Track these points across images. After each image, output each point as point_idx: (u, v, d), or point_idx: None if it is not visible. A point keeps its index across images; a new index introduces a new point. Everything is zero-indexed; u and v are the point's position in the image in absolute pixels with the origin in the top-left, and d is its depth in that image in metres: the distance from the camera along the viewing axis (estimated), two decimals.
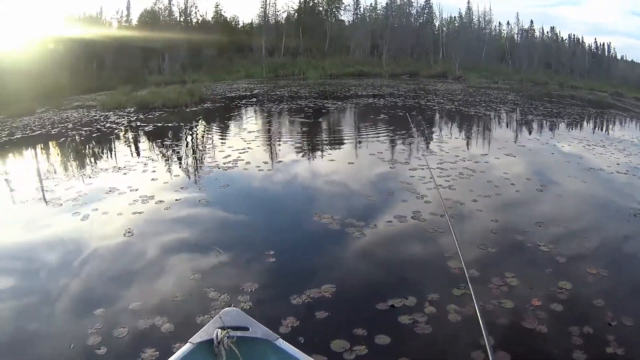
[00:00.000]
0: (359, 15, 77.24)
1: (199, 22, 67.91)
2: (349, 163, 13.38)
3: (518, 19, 78.83)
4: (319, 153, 14.91)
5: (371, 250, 7.75)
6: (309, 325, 5.49)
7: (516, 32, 78.65)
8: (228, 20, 72.99)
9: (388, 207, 9.72)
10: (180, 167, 13.51)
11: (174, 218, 9.24)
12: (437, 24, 77.81)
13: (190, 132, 19.66)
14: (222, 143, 16.33)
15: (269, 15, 71.41)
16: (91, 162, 14.58)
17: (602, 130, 22.87)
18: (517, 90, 43.67)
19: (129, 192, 10.78)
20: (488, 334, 3.02)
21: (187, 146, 16.75)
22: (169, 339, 5.20)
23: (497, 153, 14.85)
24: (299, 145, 16.44)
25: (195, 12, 67.93)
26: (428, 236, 8.17)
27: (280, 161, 13.76)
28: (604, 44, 79.45)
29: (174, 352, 3.47)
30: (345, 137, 17.89)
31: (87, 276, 6.97)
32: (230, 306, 5.13)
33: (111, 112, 24.44)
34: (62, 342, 5.32)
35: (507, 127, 21.89)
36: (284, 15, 73.36)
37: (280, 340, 3.57)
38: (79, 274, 7.01)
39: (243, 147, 15.38)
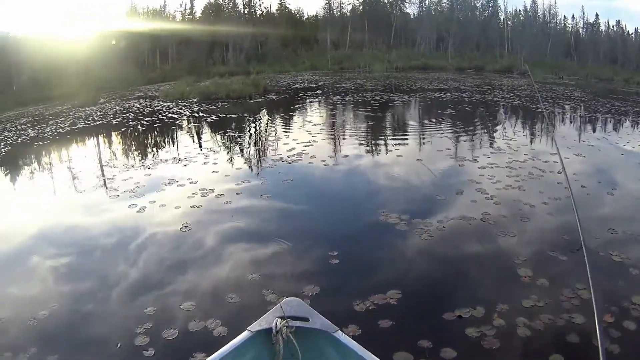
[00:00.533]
0: (424, 8, 76.13)
1: (263, 14, 68.11)
2: (417, 160, 13.09)
3: (583, 12, 76.97)
4: (385, 148, 14.73)
5: (439, 254, 7.55)
6: (372, 334, 5.27)
7: (581, 25, 76.80)
8: (292, 12, 72.98)
9: (457, 207, 9.43)
10: (242, 159, 13.54)
11: (233, 213, 9.21)
12: (502, 18, 76.48)
13: (254, 124, 19.73)
14: (286, 135, 16.29)
15: (334, 8, 71.14)
16: (151, 152, 14.85)
17: None
18: (583, 86, 42.35)
19: (188, 185, 10.86)
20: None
21: (250, 138, 16.76)
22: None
23: (567, 152, 14.21)
24: (364, 139, 16.22)
25: (260, 4, 68.15)
26: (498, 240, 7.90)
27: (346, 155, 13.56)
28: None
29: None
30: (412, 132, 17.59)
31: (141, 269, 7.08)
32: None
33: (173, 103, 24.73)
34: None
35: (574, 125, 21.13)
36: (349, 7, 72.95)
37: (340, 332, 3.53)
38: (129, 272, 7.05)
39: (308, 140, 15.28)
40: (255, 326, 3.54)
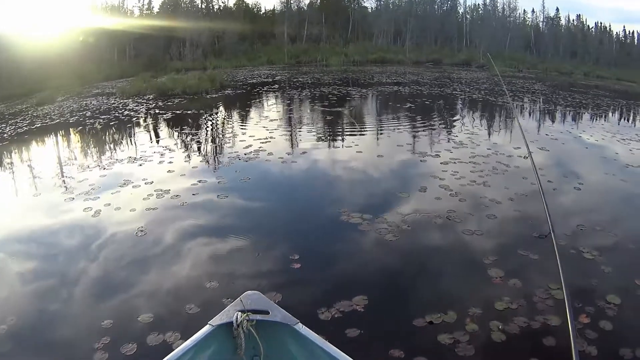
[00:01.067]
0: (382, 2, 76.20)
1: (221, 8, 67.45)
2: (377, 156, 12.72)
3: (544, 6, 77.70)
4: (344, 143, 14.23)
5: (404, 255, 7.20)
6: (340, 344, 4.76)
7: (541, 20, 77.46)
8: (250, 6, 72.43)
9: (420, 204, 9.08)
10: (198, 157, 12.89)
11: (189, 215, 8.71)
12: (460, 11, 76.77)
13: (210, 120, 19.09)
14: (243, 132, 15.69)
15: (292, 2, 70.68)
16: (107, 152, 14.03)
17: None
18: (543, 79, 42.71)
19: (143, 185, 10.29)
20: None
21: (206, 135, 16.19)
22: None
23: (530, 146, 13.93)
24: (323, 135, 15.77)
25: None
26: (465, 239, 7.60)
27: (304, 152, 13.09)
28: (633, 32, 77.48)
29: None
30: (371, 127, 17.12)
31: (95, 279, 6.55)
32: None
33: (130, 100, 23.96)
34: None
35: (537, 118, 20.96)
36: (307, 1, 72.60)
37: (300, 325, 3.55)
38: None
39: (265, 136, 14.83)
40: (216, 320, 3.54)
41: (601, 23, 77.07)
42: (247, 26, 63.78)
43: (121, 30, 48.69)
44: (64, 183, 10.77)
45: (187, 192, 9.81)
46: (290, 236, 7.86)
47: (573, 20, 76.79)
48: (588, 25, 76.82)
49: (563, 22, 76.88)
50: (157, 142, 14.81)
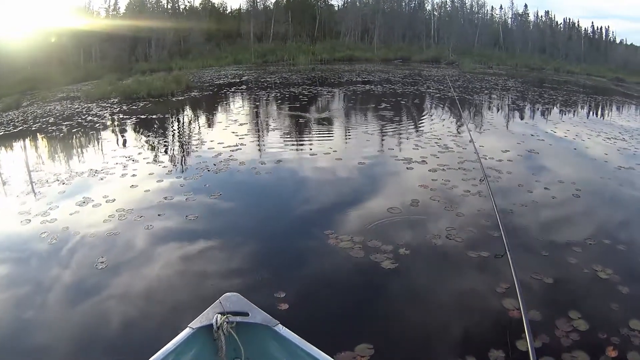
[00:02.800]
0: (349, 0, 75.66)
1: (187, 8, 66.32)
2: (359, 163, 11.76)
3: (512, 3, 78.48)
4: (323, 150, 13.05)
5: (410, 289, 6.27)
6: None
7: (510, 16, 77.72)
8: (216, 6, 71.41)
9: (415, 223, 8.16)
10: (163, 170, 11.57)
11: (154, 241, 7.61)
12: (428, 8, 76.52)
13: (176, 126, 17.89)
14: (211, 139, 14.44)
15: (258, 1, 69.72)
16: (67, 163, 12.76)
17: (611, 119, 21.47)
18: (514, 75, 42.56)
19: (104, 204, 9.15)
20: None
21: (172, 143, 14.99)
22: None
23: (519, 149, 13.56)
24: (297, 141, 14.73)
25: None
26: (473, 263, 6.74)
27: (279, 160, 11.98)
28: (601, 27, 78.63)
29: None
30: (348, 130, 16.16)
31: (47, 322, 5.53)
32: None
33: (94, 104, 22.81)
34: None
35: (516, 117, 20.36)
36: (273, 0, 71.71)
37: (280, 326, 3.55)
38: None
39: (235, 143, 13.77)
40: (196, 323, 3.51)
41: (570, 19, 78.14)
42: (213, 26, 62.91)
43: (87, 32, 47.83)
44: (21, 202, 9.60)
45: (151, 211, 8.70)
46: (271, 269, 6.70)
47: (541, 17, 77.59)
48: (557, 21, 77.66)
49: (532, 18, 77.64)
50: (120, 151, 13.55)
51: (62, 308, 5.83)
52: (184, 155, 13.29)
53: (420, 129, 16.05)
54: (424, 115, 19.54)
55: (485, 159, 12.01)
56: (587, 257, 6.90)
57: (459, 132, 15.53)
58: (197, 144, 14.27)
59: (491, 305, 5.74)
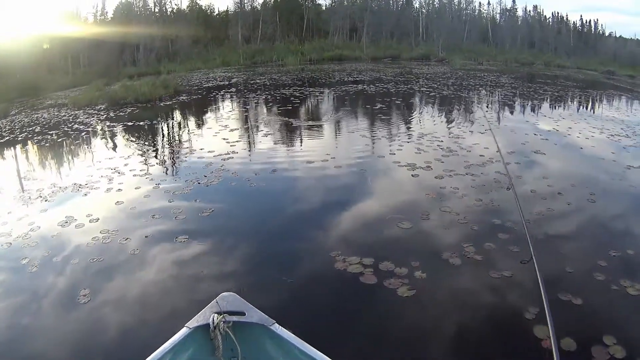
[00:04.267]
0: None
1: (174, 11, 65.62)
2: (360, 170, 11.07)
3: None
4: (321, 157, 12.23)
5: (430, 322, 5.53)
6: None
7: (498, 11, 78.11)
8: (203, 8, 70.74)
9: (428, 239, 7.49)
10: (150, 182, 10.73)
11: (141, 268, 6.84)
12: (416, 5, 76.32)
13: (164, 133, 17.09)
14: (201, 147, 13.66)
15: (245, 2, 69.12)
16: (51, 177, 11.93)
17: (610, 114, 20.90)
18: (506, 71, 42.38)
19: (87, 224, 8.36)
20: None
21: (159, 152, 14.14)
22: None
23: (525, 150, 12.97)
24: (292, 147, 13.97)
25: (170, 1, 65.99)
26: (496, 285, 6.10)
27: (274, 170, 11.24)
28: (590, 20, 79.30)
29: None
30: (344, 135, 15.38)
31: None
32: None
33: (81, 111, 22.05)
34: None
35: (515, 115, 19.93)
36: (260, 0, 71.16)
37: (277, 325, 3.55)
38: None
39: (226, 150, 12.99)
40: (193, 322, 3.52)
41: (558, 13, 78.52)
42: (201, 28, 62.31)
43: (75, 38, 47.25)
44: (1, 222, 8.79)
45: (138, 233, 7.92)
46: (273, 297, 5.92)
47: (530, 11, 77.79)
48: (545, 16, 77.93)
49: (520, 13, 78.18)
50: (106, 162, 12.69)
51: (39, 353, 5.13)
52: (172, 166, 12.42)
53: (420, 130, 15.33)
54: (421, 116, 18.85)
55: (492, 162, 11.42)
56: (613, 271, 6.33)
57: (460, 134, 14.80)
58: (186, 153, 13.46)
59: (522, 334, 5.16)
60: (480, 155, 12.02)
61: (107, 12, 61.32)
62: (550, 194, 9.30)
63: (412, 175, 10.49)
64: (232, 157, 12.27)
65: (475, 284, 6.16)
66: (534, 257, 4.43)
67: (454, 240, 7.29)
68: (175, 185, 10.25)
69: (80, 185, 10.65)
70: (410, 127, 16.05)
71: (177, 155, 13.63)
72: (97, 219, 8.50)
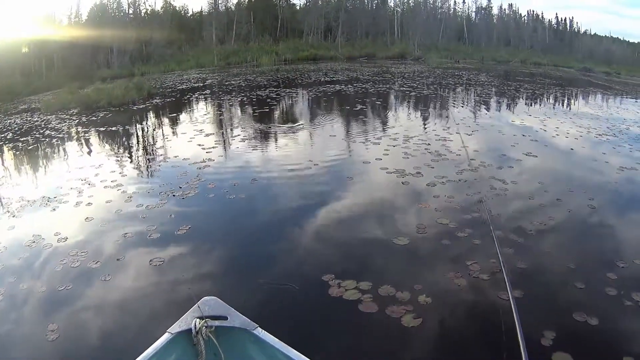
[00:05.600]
0: None
1: (148, 12, 64.85)
2: (347, 178, 10.45)
3: None
4: (305, 165, 11.53)
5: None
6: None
7: (473, 10, 78.78)
8: (177, 9, 70.08)
9: (428, 257, 6.88)
10: (122, 195, 9.86)
11: (113, 296, 6.09)
12: (391, 4, 76.33)
13: (137, 140, 16.22)
14: (175, 155, 12.88)
15: (219, 2, 68.49)
16: (19, 189, 11.04)
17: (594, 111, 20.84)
18: (483, 69, 42.43)
19: (55, 244, 7.60)
20: None
21: (132, 161, 13.28)
22: None
23: (516, 152, 12.57)
24: (272, 153, 13.20)
25: (144, 3, 65.28)
26: (507, 308, 5.24)
27: (254, 179, 10.47)
28: (565, 18, 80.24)
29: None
30: (326, 140, 14.56)
31: None
32: None
33: (53, 116, 21.18)
34: None
35: (500, 114, 19.75)
36: (235, 1, 70.58)
37: (259, 329, 3.52)
38: None
39: (201, 158, 12.23)
40: (175, 328, 3.49)
41: (533, 11, 79.66)
42: (175, 29, 61.63)
43: (50, 41, 46.40)
44: None
45: (109, 255, 7.17)
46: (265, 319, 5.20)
47: (505, 9, 78.54)
48: (520, 14, 78.93)
49: (495, 11, 79.02)
50: (76, 172, 11.87)
51: None
52: (145, 176, 11.58)
53: (404, 133, 14.68)
54: (405, 117, 18.31)
55: (485, 166, 11.03)
56: (624, 284, 5.91)
57: (447, 136, 14.26)
58: (160, 161, 12.64)
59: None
60: (472, 160, 11.46)
61: (81, 15, 60.45)
62: (554, 204, 8.85)
63: (402, 183, 9.85)
64: (209, 166, 11.53)
65: (483, 305, 5.68)
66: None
67: (456, 256, 6.77)
68: (149, 199, 9.45)
69: (49, 198, 9.84)
70: (393, 130, 15.37)
71: (151, 163, 12.82)
72: (66, 239, 7.75)
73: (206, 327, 3.45)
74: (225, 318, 3.56)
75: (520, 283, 5.92)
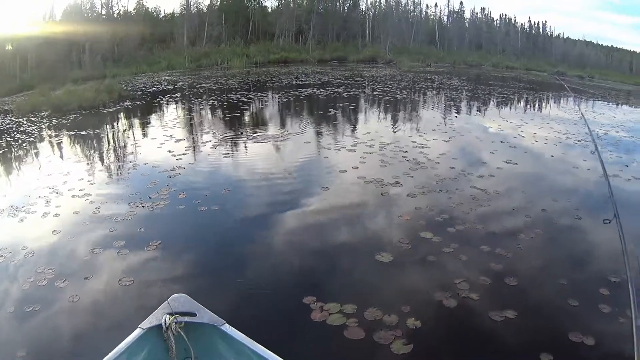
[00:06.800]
0: (283, 1, 74.56)
1: (121, 13, 64.19)
2: (322, 189, 9.98)
3: (448, 1, 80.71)
4: (275, 172, 11.17)
5: None
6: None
7: (445, 13, 78.88)
8: (150, 10, 69.42)
9: (413, 275, 6.52)
10: (90, 205, 9.35)
11: (85, 323, 5.63)
12: (363, 7, 76.26)
13: (106, 145, 15.59)
14: (144, 162, 12.41)
15: (191, 4, 67.96)
16: None
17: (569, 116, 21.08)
18: (455, 73, 42.48)
19: (22, 258, 7.16)
20: None
21: (101, 168, 12.68)
22: None
23: (496, 159, 12.41)
24: (244, 160, 12.81)
25: (117, 3, 64.59)
26: (500, 328, 5.18)
27: (226, 189, 10.03)
28: (538, 22, 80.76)
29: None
30: (300, 146, 14.13)
31: None
32: None
33: (25, 118, 20.55)
34: None
35: (476, 119, 19.52)
36: (207, 2, 70.07)
37: (227, 325, 3.61)
38: None
39: (171, 166, 11.76)
40: (146, 323, 3.54)
41: (506, 15, 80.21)
42: (147, 31, 60.98)
43: (24, 41, 45.68)
44: None
45: (76, 272, 6.71)
46: None
47: (477, 13, 78.87)
48: (493, 18, 79.37)
49: (468, 14, 79.15)
50: (44, 180, 11.32)
51: None
52: (114, 185, 10.96)
53: (380, 139, 14.33)
54: (379, 123, 18.01)
55: (465, 174, 10.81)
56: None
57: (424, 142, 13.98)
58: (129, 169, 12.11)
59: None
60: (451, 168, 11.18)
61: (55, 14, 59.81)
62: (526, 210, 8.68)
63: (381, 194, 9.50)
64: (179, 174, 11.07)
65: (477, 327, 5.36)
66: None
67: (444, 274, 6.42)
68: (117, 210, 8.97)
69: (17, 208, 9.35)
70: (369, 136, 14.99)
71: (120, 171, 12.27)
72: (32, 254, 7.29)
73: (176, 322, 3.52)
74: (194, 314, 3.64)
75: (512, 302, 5.64)
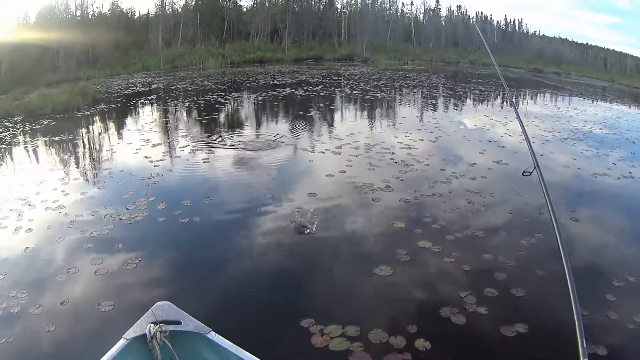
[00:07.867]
0: (258, 0, 74.29)
1: (95, 14, 63.54)
2: (309, 195, 9.53)
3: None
4: (258, 178, 10.73)
5: None
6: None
7: (422, 11, 79.48)
8: (124, 12, 68.79)
9: (417, 291, 6.07)
10: (64, 218, 8.78)
11: (60, 350, 5.17)
12: (338, 6, 76.22)
13: (81, 151, 14.91)
14: (120, 170, 11.82)
15: (166, 4, 67.43)
16: None
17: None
18: (432, 70, 42.58)
19: None
20: None
21: (75, 176, 11.94)
22: None
23: (486, 160, 12.23)
24: (223, 165, 12.22)
25: (92, 5, 63.82)
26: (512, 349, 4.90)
27: (208, 198, 9.49)
28: (514, 20, 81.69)
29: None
30: (282, 150, 13.63)
31: None
32: None
33: None
34: None
35: (461, 118, 19.38)
36: (182, 3, 69.59)
37: (213, 333, 3.53)
38: None
39: (149, 173, 11.22)
40: (130, 333, 3.45)
41: (482, 12, 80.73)
42: (122, 32, 60.38)
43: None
44: None
45: (51, 295, 6.20)
46: None
47: (453, 11, 79.55)
48: (469, 15, 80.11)
49: (444, 12, 79.50)
50: (16, 190, 10.68)
51: None
52: (88, 196, 10.25)
53: (365, 141, 14.00)
54: (362, 123, 17.74)
55: (457, 177, 10.55)
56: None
57: (411, 143, 13.66)
58: (104, 177, 11.49)
59: None
60: (442, 170, 10.80)
61: (29, 17, 59.06)
62: (525, 213, 8.46)
63: (372, 200, 9.08)
64: (157, 182, 10.56)
65: (488, 345, 5.06)
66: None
67: (450, 288, 6.06)
68: (93, 224, 8.39)
69: None
70: (353, 137, 14.63)
71: (95, 180, 11.62)
72: (4, 275, 6.76)
73: (160, 332, 3.41)
74: (178, 322, 3.55)
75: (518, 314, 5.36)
